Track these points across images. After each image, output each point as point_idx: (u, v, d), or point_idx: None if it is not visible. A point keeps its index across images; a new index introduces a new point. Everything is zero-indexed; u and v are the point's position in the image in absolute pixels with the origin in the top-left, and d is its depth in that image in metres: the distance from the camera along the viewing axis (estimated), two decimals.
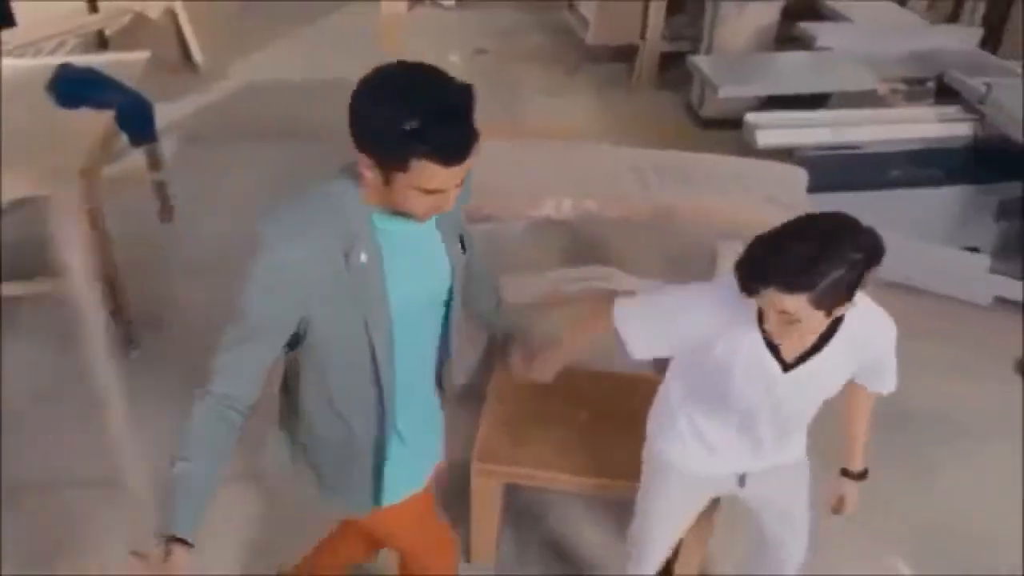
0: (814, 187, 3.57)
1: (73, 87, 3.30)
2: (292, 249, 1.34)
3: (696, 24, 5.32)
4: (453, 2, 6.94)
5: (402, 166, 1.27)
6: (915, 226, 3.65)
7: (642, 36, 5.62)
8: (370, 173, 1.32)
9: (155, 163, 3.99)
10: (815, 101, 4.14)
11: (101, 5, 5.38)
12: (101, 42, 5.52)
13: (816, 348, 1.62)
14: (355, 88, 1.28)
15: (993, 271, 3.50)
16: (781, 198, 2.75)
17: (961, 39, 4.20)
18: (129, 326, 3.30)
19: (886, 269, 3.60)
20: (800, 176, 2.97)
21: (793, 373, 1.63)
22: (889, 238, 3.21)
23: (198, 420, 1.40)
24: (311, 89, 5.44)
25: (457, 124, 1.26)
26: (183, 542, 1.35)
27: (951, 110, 3.72)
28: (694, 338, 1.68)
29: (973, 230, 3.79)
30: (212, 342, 1.42)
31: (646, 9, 5.51)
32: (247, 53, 5.96)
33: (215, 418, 1.40)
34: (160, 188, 4.06)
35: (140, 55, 3.83)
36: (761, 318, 1.58)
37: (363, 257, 1.38)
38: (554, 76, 5.86)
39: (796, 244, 1.43)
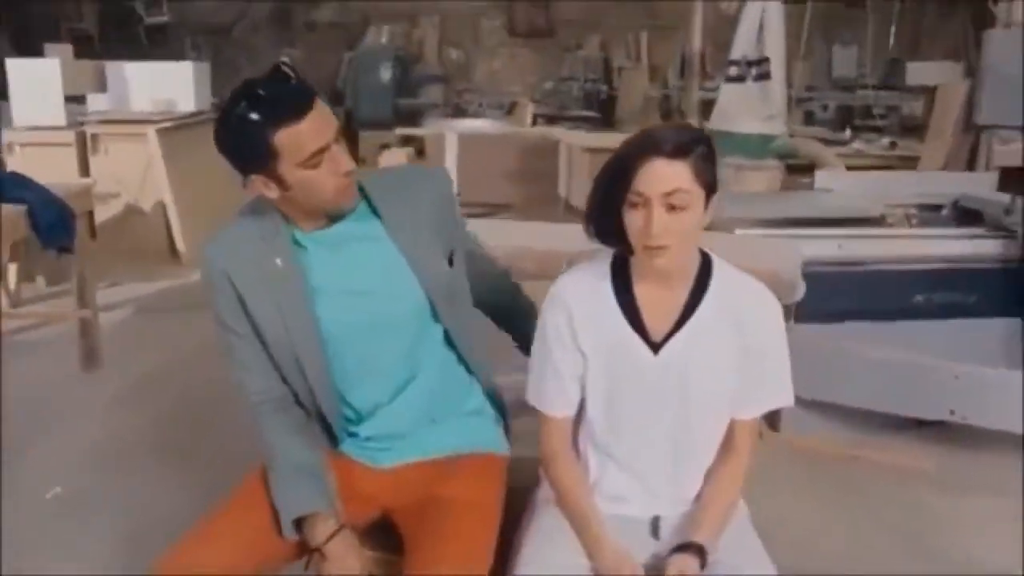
0: (823, 315, 3.05)
1: None
2: (215, 248, 1.48)
3: None
4: None
5: (274, 154, 1.35)
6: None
7: None
8: (268, 189, 1.40)
9: (84, 300, 3.63)
10: None
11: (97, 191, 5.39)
12: (91, 231, 5.46)
13: (684, 318, 1.42)
14: (214, 135, 1.39)
15: None
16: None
17: (976, 181, 3.85)
18: None
19: (926, 405, 2.96)
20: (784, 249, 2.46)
21: (664, 353, 1.42)
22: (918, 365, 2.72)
23: (258, 429, 1.50)
24: None
25: (282, 85, 1.36)
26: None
27: (975, 230, 3.25)
28: (578, 357, 1.47)
29: None
30: None
31: None
32: None
33: (266, 418, 1.50)
34: (87, 329, 3.65)
35: (86, 181, 3.67)
36: (620, 299, 1.44)
37: (278, 261, 1.45)
38: None
39: (660, 128, 1.38)
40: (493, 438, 1.63)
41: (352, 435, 1.59)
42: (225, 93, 6.75)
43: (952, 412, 2.88)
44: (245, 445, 1.54)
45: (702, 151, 1.34)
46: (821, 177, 3.84)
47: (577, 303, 1.45)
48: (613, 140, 5.60)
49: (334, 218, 1.48)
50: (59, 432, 3.07)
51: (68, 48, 6.13)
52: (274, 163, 1.36)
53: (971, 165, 4.30)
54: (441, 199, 1.57)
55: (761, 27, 4.31)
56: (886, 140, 5.30)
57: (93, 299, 3.65)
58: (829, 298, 3.04)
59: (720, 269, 1.46)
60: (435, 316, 1.54)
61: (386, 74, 8.60)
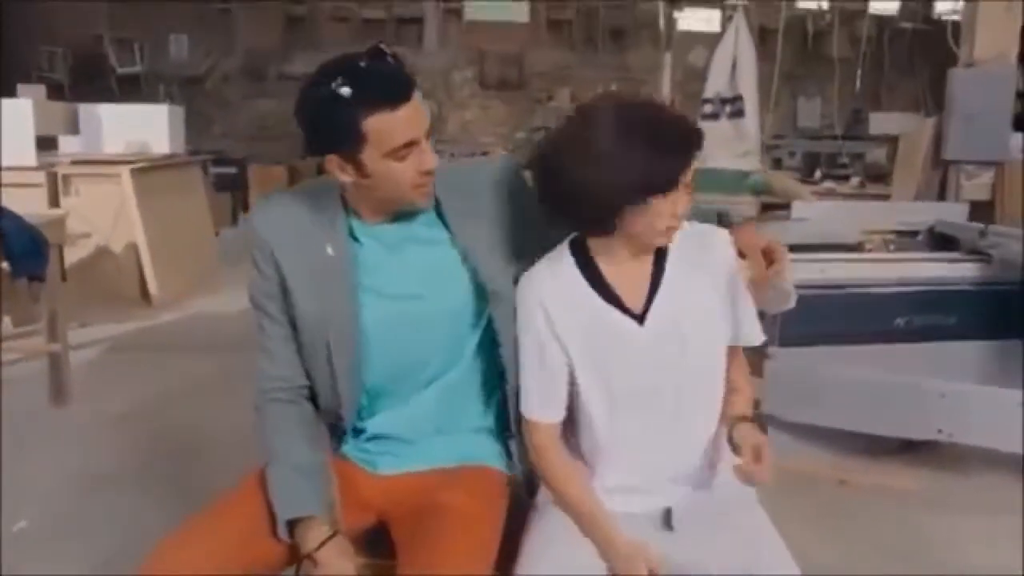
0: (807, 338, 3.05)
1: None
2: (263, 221, 1.41)
3: None
4: None
5: (361, 138, 1.27)
6: None
7: None
8: (344, 174, 1.33)
9: (54, 333, 3.52)
10: None
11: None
12: (61, 273, 5.34)
13: (656, 281, 1.40)
14: (295, 105, 1.31)
15: None
16: None
17: (947, 211, 3.92)
18: None
19: (913, 424, 2.97)
20: None
21: (649, 323, 1.38)
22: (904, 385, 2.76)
23: (262, 422, 1.43)
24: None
25: (383, 68, 1.29)
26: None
27: (952, 254, 3.30)
28: (562, 355, 1.41)
29: None
30: None
31: None
32: (214, 293, 5.75)
33: (273, 408, 1.43)
34: (56, 364, 3.54)
35: (59, 212, 3.60)
36: (589, 275, 1.40)
37: (329, 250, 1.38)
38: None
39: (664, 120, 1.32)
40: (496, 454, 1.56)
41: (358, 434, 1.53)
42: (196, 144, 6.81)
43: (940, 431, 2.89)
44: (220, 484, 1.47)
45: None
46: (797, 207, 3.89)
47: (549, 297, 1.40)
48: None
49: (398, 214, 1.42)
50: (29, 465, 2.94)
51: (41, 89, 6.09)
52: (359, 148, 1.29)
53: (941, 199, 4.40)
54: (511, 195, 1.47)
55: (734, 66, 4.42)
56: (856, 180, 5.41)
57: (64, 333, 3.54)
58: (813, 322, 3.05)
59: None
60: (482, 323, 1.47)
61: None
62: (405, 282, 1.42)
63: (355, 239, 1.42)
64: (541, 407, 1.44)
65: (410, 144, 1.30)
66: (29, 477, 2.85)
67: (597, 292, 1.40)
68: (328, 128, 1.29)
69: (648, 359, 1.39)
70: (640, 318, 1.39)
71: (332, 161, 1.33)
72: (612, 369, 1.40)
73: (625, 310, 1.39)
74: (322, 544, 1.34)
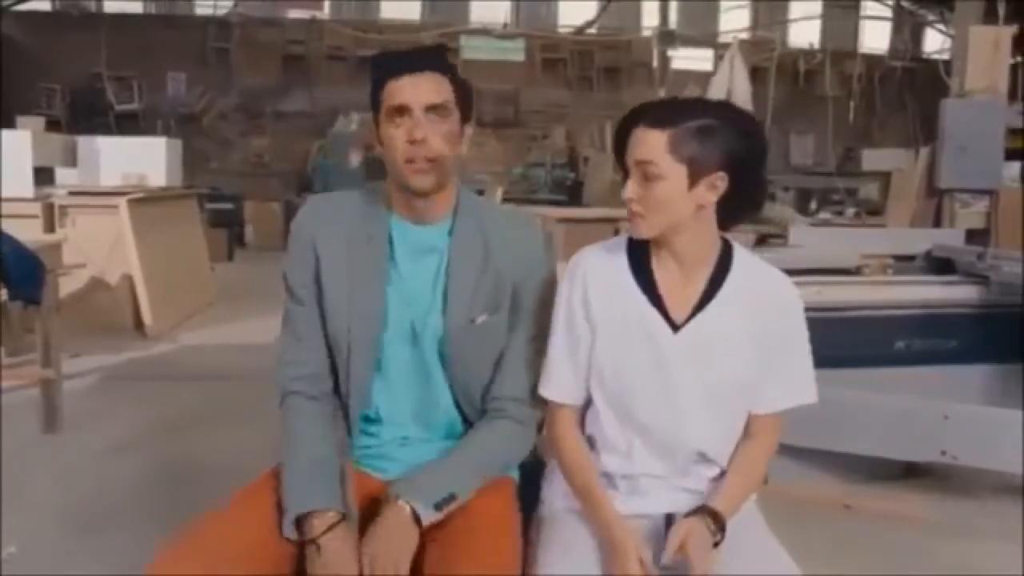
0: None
1: None
2: (308, 215, 1.50)
3: None
4: None
5: (379, 100, 1.42)
6: None
7: None
8: (373, 136, 1.47)
9: (48, 359, 3.48)
10: None
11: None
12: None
13: (704, 302, 1.39)
14: None
15: None
16: None
17: (943, 236, 3.94)
18: None
19: (917, 447, 2.94)
20: None
21: (684, 333, 1.37)
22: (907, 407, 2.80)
23: (284, 415, 1.45)
24: (247, 349, 5.05)
25: (403, 52, 1.46)
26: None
27: (950, 277, 3.31)
28: (589, 336, 1.42)
29: None
30: None
31: None
32: (209, 326, 5.72)
33: (296, 402, 1.45)
34: (49, 390, 3.49)
35: (56, 237, 3.58)
36: (638, 277, 1.40)
37: (368, 240, 1.46)
38: None
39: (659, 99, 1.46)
40: None
41: (367, 441, 1.52)
42: (193, 181, 6.85)
43: (943, 453, 2.85)
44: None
45: (694, 125, 1.30)
46: (795, 234, 3.91)
47: (593, 276, 1.41)
48: (584, 213, 5.71)
49: (422, 216, 1.47)
50: (19, 494, 2.88)
51: (40, 121, 6.11)
52: (378, 110, 1.43)
53: (936, 227, 4.43)
54: (529, 266, 1.50)
55: (729, 97, 4.47)
56: (852, 211, 5.45)
57: (58, 359, 3.50)
58: (813, 345, 3.03)
59: (741, 257, 1.42)
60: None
61: (356, 159, 8.69)
62: (416, 286, 1.47)
63: (392, 245, 1.48)
64: (562, 389, 1.44)
65: (402, 110, 1.39)
66: (20, 502, 2.79)
67: (641, 288, 1.39)
68: (371, 91, 1.45)
69: (671, 368, 1.38)
70: (676, 327, 1.38)
71: (373, 121, 1.46)
72: (634, 368, 1.38)
73: (665, 314, 1.38)
74: (327, 530, 1.31)
